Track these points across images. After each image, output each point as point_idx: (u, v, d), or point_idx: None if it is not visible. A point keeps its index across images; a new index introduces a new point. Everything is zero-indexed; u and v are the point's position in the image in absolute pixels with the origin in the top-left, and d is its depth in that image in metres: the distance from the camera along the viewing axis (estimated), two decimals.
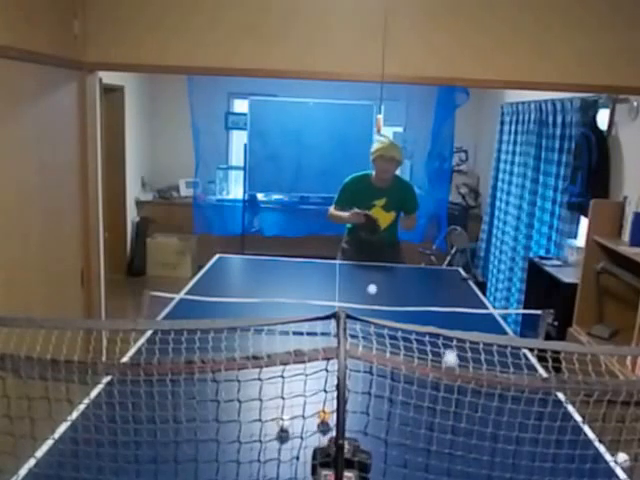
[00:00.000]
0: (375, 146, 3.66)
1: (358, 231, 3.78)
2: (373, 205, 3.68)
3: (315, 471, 1.21)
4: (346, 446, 1.18)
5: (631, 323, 2.87)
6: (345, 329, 1.13)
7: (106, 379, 1.74)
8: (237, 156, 6.87)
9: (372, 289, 2.99)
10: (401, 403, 1.19)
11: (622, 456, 1.52)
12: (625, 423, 1.19)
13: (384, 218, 3.67)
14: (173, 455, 1.27)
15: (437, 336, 1.23)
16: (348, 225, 3.87)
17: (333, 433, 1.07)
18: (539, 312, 2.45)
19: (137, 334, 2.19)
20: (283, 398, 1.13)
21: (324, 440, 1.27)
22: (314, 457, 1.22)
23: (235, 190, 6.94)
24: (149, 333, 2.19)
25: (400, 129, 6.70)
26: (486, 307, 3.02)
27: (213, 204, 6.61)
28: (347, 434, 1.06)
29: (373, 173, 3.72)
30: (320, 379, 1.14)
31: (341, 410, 1.04)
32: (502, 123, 5.75)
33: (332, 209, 3.81)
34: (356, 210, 3.58)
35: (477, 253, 6.13)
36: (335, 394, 1.05)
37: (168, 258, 6.40)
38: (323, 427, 1.59)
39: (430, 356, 1.19)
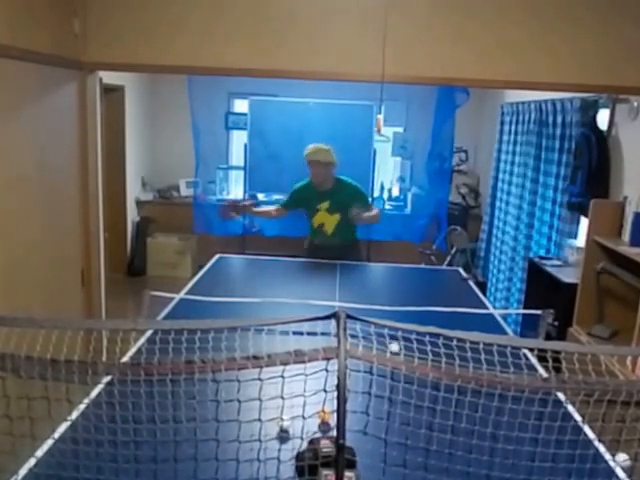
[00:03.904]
0: (304, 151, 3.70)
1: (312, 237, 3.89)
2: (318, 210, 3.75)
3: (299, 473, 1.22)
4: (329, 444, 1.18)
5: (631, 323, 2.87)
6: (345, 329, 1.14)
7: (106, 379, 1.74)
8: (237, 156, 6.87)
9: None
10: (401, 403, 1.19)
11: (622, 456, 1.52)
12: (625, 423, 1.19)
13: (329, 221, 3.73)
14: (173, 454, 1.27)
15: (437, 336, 1.23)
16: (309, 231, 3.94)
17: (333, 432, 1.07)
18: (539, 312, 2.45)
19: (137, 334, 2.19)
20: (283, 398, 1.13)
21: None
22: (297, 459, 1.23)
23: (235, 190, 6.94)
24: (149, 333, 2.20)
25: (400, 129, 6.70)
26: (486, 307, 3.02)
27: (213, 204, 6.60)
28: (347, 434, 1.06)
29: None
30: (320, 379, 1.14)
31: (341, 410, 1.04)
32: (502, 123, 5.74)
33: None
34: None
35: (477, 253, 6.13)
36: (335, 394, 1.05)
37: (168, 258, 6.40)
38: (323, 427, 1.60)
39: (430, 356, 1.19)
